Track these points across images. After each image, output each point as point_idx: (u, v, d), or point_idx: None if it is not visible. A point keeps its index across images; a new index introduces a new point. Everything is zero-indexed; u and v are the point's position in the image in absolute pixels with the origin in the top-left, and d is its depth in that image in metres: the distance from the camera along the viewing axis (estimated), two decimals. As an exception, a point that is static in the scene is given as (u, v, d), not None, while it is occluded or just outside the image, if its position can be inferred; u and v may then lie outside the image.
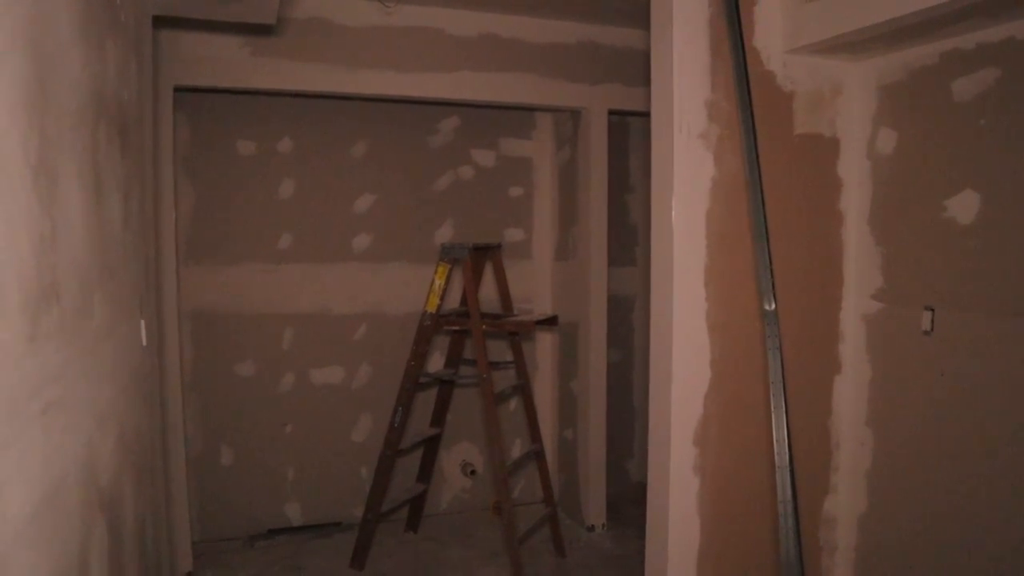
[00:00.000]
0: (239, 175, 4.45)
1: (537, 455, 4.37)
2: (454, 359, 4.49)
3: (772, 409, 2.59)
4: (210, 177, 4.39)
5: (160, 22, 3.23)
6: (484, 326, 3.93)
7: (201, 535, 4.37)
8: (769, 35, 2.67)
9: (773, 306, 2.57)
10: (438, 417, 4.57)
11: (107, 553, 1.50)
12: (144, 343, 2.18)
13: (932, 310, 2.55)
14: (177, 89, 3.76)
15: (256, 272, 4.50)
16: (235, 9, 2.82)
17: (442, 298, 4.10)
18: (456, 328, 4.24)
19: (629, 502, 5.08)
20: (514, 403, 5.03)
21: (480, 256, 4.35)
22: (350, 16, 3.97)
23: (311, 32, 3.91)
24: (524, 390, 4.35)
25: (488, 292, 4.71)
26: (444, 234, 4.87)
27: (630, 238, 5.40)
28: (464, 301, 4.29)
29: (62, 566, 1.17)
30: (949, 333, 2.50)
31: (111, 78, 1.78)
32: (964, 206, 2.45)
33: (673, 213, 2.53)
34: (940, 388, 2.53)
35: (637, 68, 4.52)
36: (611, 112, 4.59)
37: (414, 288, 4.72)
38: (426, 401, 4.66)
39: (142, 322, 2.18)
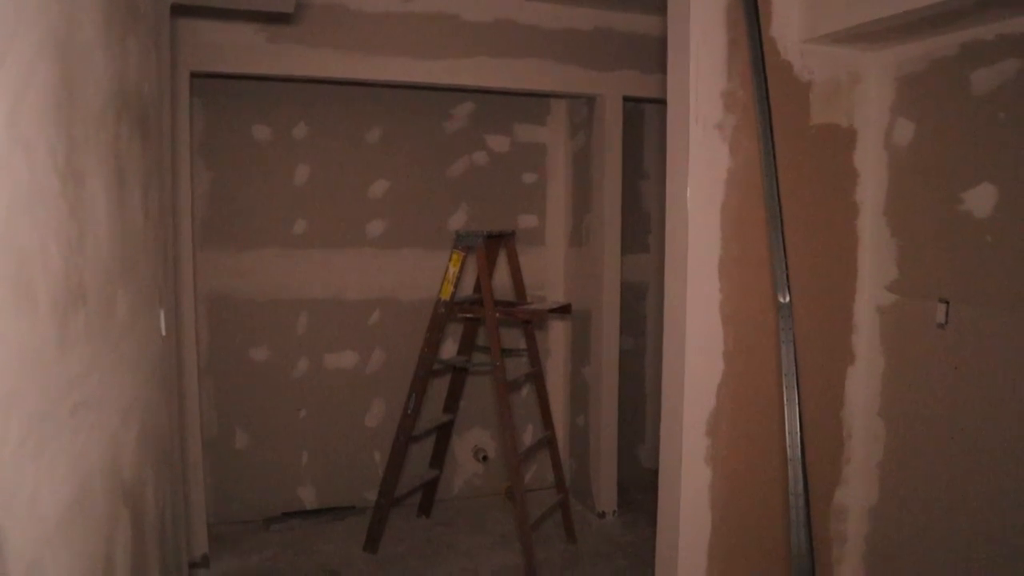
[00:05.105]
0: (254, 160, 4.46)
1: (549, 441, 4.39)
2: (467, 346, 4.51)
3: (785, 401, 2.60)
4: (226, 162, 4.41)
5: (177, 10, 3.24)
6: (497, 314, 3.95)
7: (216, 518, 4.43)
8: (786, 25, 2.64)
9: (788, 298, 2.57)
10: (451, 403, 4.60)
11: (130, 544, 1.53)
12: (163, 333, 2.21)
13: (947, 303, 2.55)
14: (193, 75, 3.77)
15: (271, 257, 4.52)
16: (252, -2, 2.82)
17: (456, 285, 4.12)
18: (470, 316, 4.26)
19: (640, 488, 5.10)
20: (526, 389, 5.06)
21: (494, 244, 4.35)
22: (367, 2, 3.96)
23: (327, 18, 3.90)
24: (536, 377, 4.37)
25: (501, 279, 4.72)
26: (458, 220, 4.88)
27: (643, 225, 5.39)
28: (478, 288, 4.30)
29: (90, 563, 1.19)
30: (964, 326, 2.50)
31: (132, 72, 1.79)
32: (981, 199, 2.43)
33: (688, 203, 2.53)
34: (954, 381, 2.52)
35: (652, 55, 4.50)
36: (626, 99, 4.57)
37: (428, 274, 4.74)
38: (439, 387, 4.69)
39: (161, 312, 2.20)
